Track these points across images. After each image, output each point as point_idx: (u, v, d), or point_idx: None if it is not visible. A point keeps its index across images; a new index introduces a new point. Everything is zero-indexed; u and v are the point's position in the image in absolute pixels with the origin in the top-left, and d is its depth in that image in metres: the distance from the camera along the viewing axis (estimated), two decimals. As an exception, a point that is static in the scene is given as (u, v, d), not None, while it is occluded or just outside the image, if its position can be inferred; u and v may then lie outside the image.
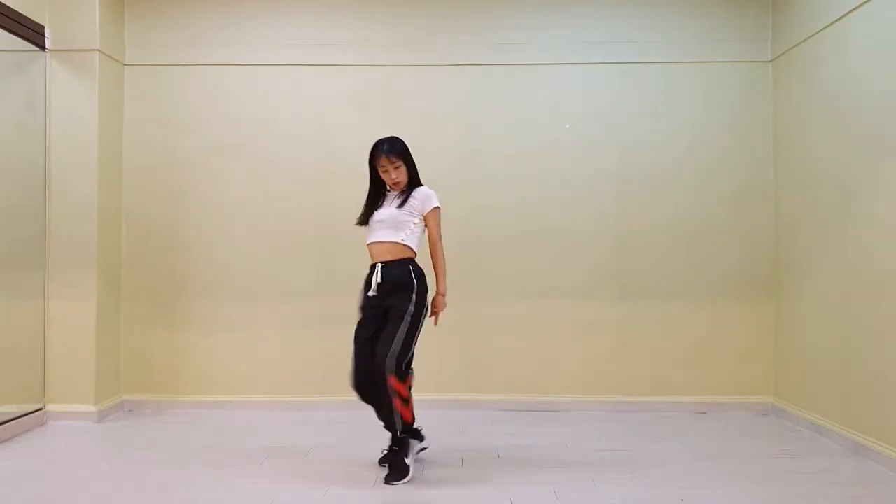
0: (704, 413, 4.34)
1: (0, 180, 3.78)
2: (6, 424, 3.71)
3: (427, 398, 4.32)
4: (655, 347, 4.40)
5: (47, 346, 4.06)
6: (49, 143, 4.08)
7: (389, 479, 3.00)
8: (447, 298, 3.19)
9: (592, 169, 4.42)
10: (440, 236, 3.17)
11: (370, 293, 3.09)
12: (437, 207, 3.15)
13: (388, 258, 3.08)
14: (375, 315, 3.10)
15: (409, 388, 3.06)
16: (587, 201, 4.42)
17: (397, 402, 2.98)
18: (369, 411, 4.19)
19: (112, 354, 4.30)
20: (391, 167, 3.10)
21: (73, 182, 4.08)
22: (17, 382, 3.89)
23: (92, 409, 4.06)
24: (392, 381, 2.95)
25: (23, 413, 3.87)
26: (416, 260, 3.15)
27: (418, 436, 3.22)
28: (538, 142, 4.43)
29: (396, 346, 2.97)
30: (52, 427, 3.96)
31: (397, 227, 3.09)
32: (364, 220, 3.20)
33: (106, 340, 4.21)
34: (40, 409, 4.02)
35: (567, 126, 4.44)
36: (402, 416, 3.01)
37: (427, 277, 3.16)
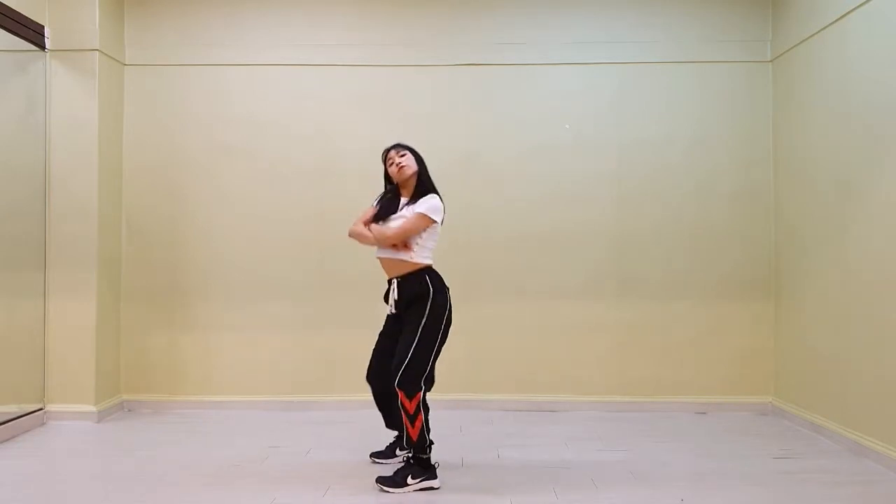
0: (704, 413, 4.34)
1: (0, 180, 3.78)
2: (6, 424, 3.71)
3: (427, 398, 4.32)
4: (655, 347, 4.41)
5: (47, 346, 4.06)
6: (49, 142, 4.08)
7: (382, 481, 2.92)
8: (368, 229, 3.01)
9: (592, 169, 4.42)
10: (402, 234, 2.92)
11: (389, 312, 3.09)
12: (424, 215, 2.92)
13: (402, 273, 3.00)
14: (394, 331, 3.08)
15: (419, 406, 2.90)
16: (587, 201, 4.42)
17: (404, 418, 2.91)
18: (369, 411, 4.21)
19: (112, 354, 4.30)
20: (396, 156, 3.04)
21: (73, 182, 4.08)
22: (17, 382, 3.89)
23: (92, 409, 4.06)
24: (400, 395, 2.90)
25: (23, 413, 3.87)
26: (433, 268, 3.04)
27: (432, 471, 2.97)
28: (538, 142, 4.43)
29: (406, 358, 2.89)
30: (52, 427, 3.96)
31: (403, 243, 2.98)
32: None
33: (106, 340, 4.21)
34: (40, 409, 4.02)
35: (567, 126, 4.44)
36: (408, 434, 2.92)
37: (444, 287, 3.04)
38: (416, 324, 2.93)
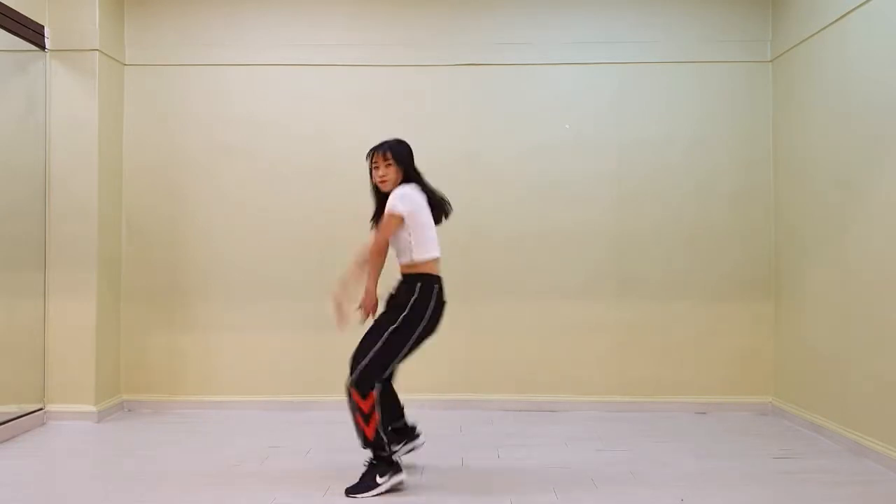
0: (704, 413, 4.34)
1: (0, 180, 3.78)
2: (6, 424, 3.71)
3: (427, 398, 4.34)
4: (655, 347, 4.41)
5: (47, 346, 4.06)
6: (49, 142, 4.08)
7: (350, 490, 2.87)
8: (372, 298, 2.95)
9: (592, 169, 4.42)
10: (380, 240, 2.90)
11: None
12: (393, 215, 2.85)
13: (405, 272, 2.99)
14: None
15: (374, 405, 2.84)
16: (587, 201, 4.42)
17: (358, 418, 2.84)
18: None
19: (112, 354, 4.30)
20: (382, 163, 2.95)
21: (73, 182, 4.08)
22: (17, 382, 3.89)
23: (92, 409, 4.06)
24: (354, 395, 2.84)
25: (23, 413, 3.87)
26: (432, 273, 2.96)
27: (396, 466, 2.92)
28: (538, 142, 4.43)
29: (367, 359, 2.84)
30: (52, 427, 3.96)
31: (401, 248, 2.96)
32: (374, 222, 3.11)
33: (106, 340, 4.21)
34: (40, 409, 4.02)
35: (567, 126, 4.44)
36: (363, 433, 2.85)
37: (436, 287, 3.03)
38: (385, 327, 2.88)
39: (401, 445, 3.11)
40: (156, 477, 3.10)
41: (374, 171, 3.01)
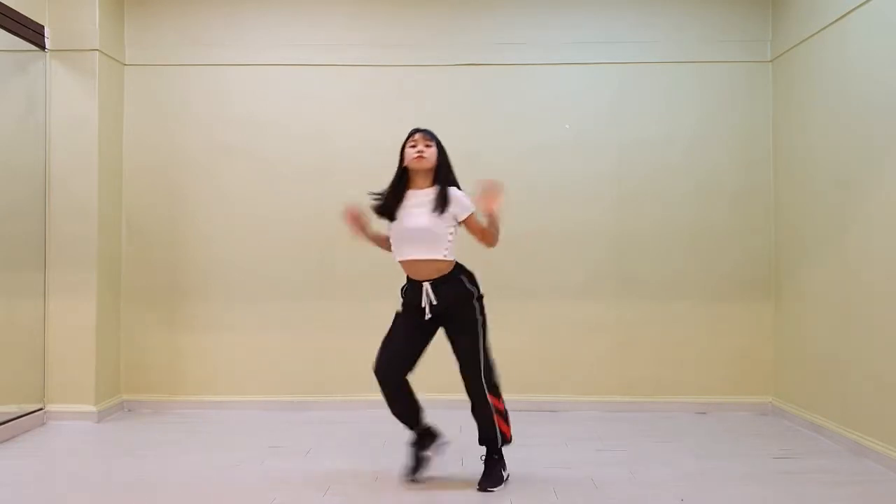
0: (704, 413, 4.34)
1: (0, 180, 3.78)
2: (6, 424, 3.71)
3: (427, 398, 4.31)
4: (655, 347, 4.40)
5: (47, 346, 4.06)
6: (49, 142, 4.08)
7: (485, 486, 2.95)
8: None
9: (592, 169, 4.42)
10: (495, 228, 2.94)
11: (427, 317, 2.94)
12: (475, 212, 2.93)
13: (435, 276, 2.91)
14: (423, 333, 3.00)
15: (504, 402, 3.02)
16: (587, 201, 4.42)
17: (498, 421, 2.98)
18: (368, 411, 4.21)
19: (112, 354, 4.30)
20: (422, 142, 2.90)
21: (73, 182, 4.08)
22: (17, 382, 3.89)
23: (92, 409, 4.06)
24: (491, 400, 2.94)
25: (23, 413, 3.87)
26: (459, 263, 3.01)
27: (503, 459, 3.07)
28: (538, 142, 4.43)
29: (483, 362, 2.92)
30: (52, 427, 3.96)
31: (434, 242, 2.88)
32: (387, 212, 2.97)
33: (106, 340, 4.21)
34: (40, 409, 4.02)
35: (567, 126, 4.44)
36: (503, 433, 3.00)
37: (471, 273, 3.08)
38: (473, 324, 2.94)
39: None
40: (156, 477, 3.10)
41: (410, 148, 2.93)
